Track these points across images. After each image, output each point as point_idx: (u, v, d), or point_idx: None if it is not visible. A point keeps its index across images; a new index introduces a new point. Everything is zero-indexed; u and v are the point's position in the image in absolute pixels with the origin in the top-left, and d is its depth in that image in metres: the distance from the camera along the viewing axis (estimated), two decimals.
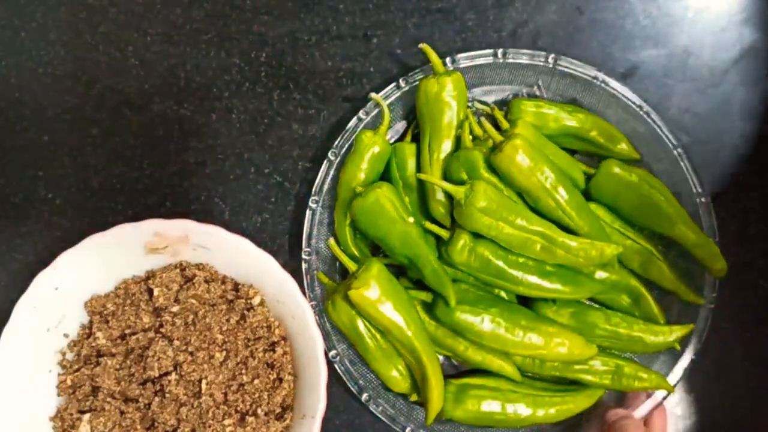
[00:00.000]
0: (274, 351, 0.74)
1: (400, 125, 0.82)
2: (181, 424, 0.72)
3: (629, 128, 0.79)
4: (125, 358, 0.74)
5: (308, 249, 0.78)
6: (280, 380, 0.74)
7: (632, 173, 0.76)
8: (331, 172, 0.79)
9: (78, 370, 0.75)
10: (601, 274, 0.75)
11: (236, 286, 0.77)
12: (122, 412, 0.73)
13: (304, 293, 0.75)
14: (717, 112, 0.84)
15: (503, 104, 0.81)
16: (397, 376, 0.75)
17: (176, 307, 0.75)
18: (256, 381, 0.73)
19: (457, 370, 0.80)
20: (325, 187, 0.79)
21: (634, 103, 0.78)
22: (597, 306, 0.77)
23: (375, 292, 0.71)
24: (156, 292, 0.75)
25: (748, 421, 0.82)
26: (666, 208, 0.75)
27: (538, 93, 0.81)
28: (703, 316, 0.76)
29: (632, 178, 0.76)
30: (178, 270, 0.76)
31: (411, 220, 0.74)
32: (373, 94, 0.79)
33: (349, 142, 0.79)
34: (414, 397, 0.76)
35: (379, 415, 0.75)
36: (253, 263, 0.73)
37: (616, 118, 0.79)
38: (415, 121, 0.81)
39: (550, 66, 0.78)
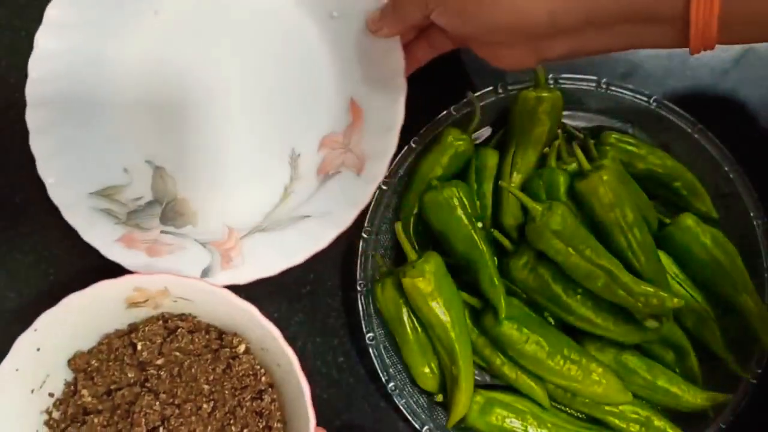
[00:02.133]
0: (261, 399, 0.73)
1: (486, 130, 0.82)
2: None
3: (713, 186, 0.79)
4: (112, 415, 0.72)
5: (369, 228, 0.77)
6: (270, 428, 0.72)
7: (707, 232, 0.75)
8: (409, 160, 0.78)
9: (65, 429, 0.72)
10: (652, 324, 0.73)
11: (220, 335, 0.75)
12: None
13: (355, 273, 0.77)
14: (717, 112, 0.85)
15: (592, 133, 0.80)
16: (428, 372, 0.75)
17: (161, 359, 0.73)
18: (245, 431, 0.72)
19: (486, 383, 0.79)
20: (400, 172, 0.78)
21: (728, 162, 0.77)
22: (640, 354, 0.76)
23: (429, 284, 0.71)
24: (139, 346, 0.73)
25: None
26: (734, 275, 0.75)
27: (630, 131, 0.81)
28: (742, 389, 0.75)
29: (706, 237, 0.75)
30: (160, 322, 0.74)
31: (479, 225, 0.75)
32: (470, 93, 0.79)
33: (434, 133, 0.79)
34: (440, 398, 0.76)
35: (402, 408, 0.75)
36: (235, 313, 0.72)
37: (702, 174, 0.79)
38: (502, 129, 0.81)
39: (651, 107, 0.78)
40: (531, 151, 0.77)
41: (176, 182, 0.83)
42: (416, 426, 0.75)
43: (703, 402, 0.74)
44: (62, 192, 0.78)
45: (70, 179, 0.79)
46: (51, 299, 0.70)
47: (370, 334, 0.76)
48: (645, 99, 0.78)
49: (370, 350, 0.76)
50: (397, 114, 0.78)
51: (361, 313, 0.76)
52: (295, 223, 0.80)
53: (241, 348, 0.73)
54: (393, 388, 0.75)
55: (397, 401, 0.75)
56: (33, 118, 0.79)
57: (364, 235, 0.77)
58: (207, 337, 0.74)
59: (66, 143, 0.80)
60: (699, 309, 0.75)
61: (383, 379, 0.75)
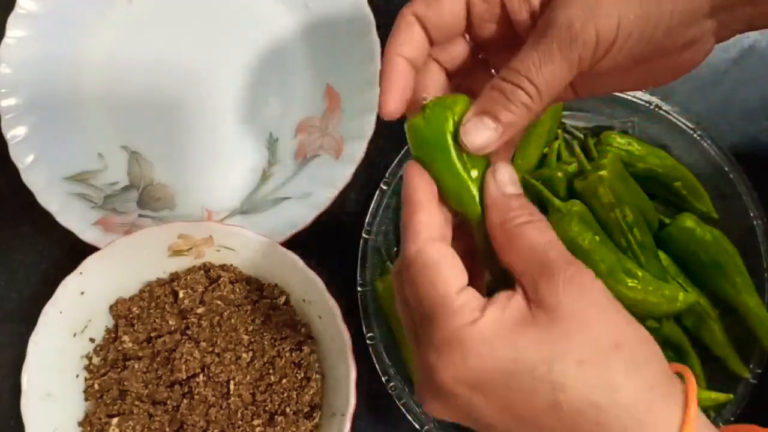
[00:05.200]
0: (300, 350, 0.75)
1: None
2: (210, 426, 0.72)
3: (713, 186, 0.78)
4: (152, 361, 0.74)
5: (369, 228, 0.77)
6: (308, 379, 0.74)
7: (707, 232, 0.75)
8: (409, 160, 0.78)
9: (105, 374, 0.74)
10: (652, 324, 0.73)
11: (261, 286, 0.77)
12: (151, 415, 0.73)
13: (355, 273, 0.76)
14: (717, 112, 0.85)
15: (592, 133, 0.80)
16: None
17: (201, 308, 0.75)
18: (283, 380, 0.73)
19: None
20: (400, 172, 0.77)
21: (728, 162, 0.77)
22: None
23: None
24: (181, 294, 0.75)
25: None
26: (734, 275, 0.74)
27: (630, 131, 0.80)
28: (742, 389, 0.75)
29: (706, 237, 0.75)
30: (202, 271, 0.76)
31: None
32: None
33: None
34: None
35: (402, 408, 0.75)
36: (279, 263, 0.74)
37: (702, 174, 0.78)
38: None
39: (651, 107, 0.78)
40: (531, 151, 0.77)
41: (153, 167, 0.84)
42: (416, 426, 0.75)
43: (703, 402, 0.74)
44: (35, 176, 0.79)
45: (44, 164, 0.80)
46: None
47: (370, 334, 0.76)
48: (645, 99, 0.78)
49: (370, 350, 0.76)
50: (373, 97, 0.80)
51: (361, 313, 0.76)
52: (274, 205, 0.81)
53: (282, 299, 0.76)
54: (393, 388, 0.75)
55: (397, 401, 0.75)
56: (4, 104, 0.80)
57: (364, 235, 0.77)
58: (248, 287, 0.76)
59: (38, 129, 0.81)
60: (699, 309, 0.75)
61: (383, 379, 0.75)
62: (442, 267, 0.46)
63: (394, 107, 0.50)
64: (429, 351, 0.45)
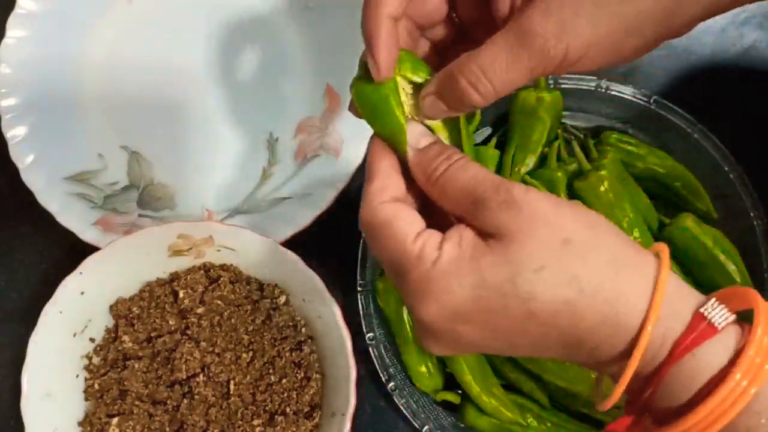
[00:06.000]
0: (300, 350, 0.75)
1: (486, 130, 0.82)
2: (210, 426, 0.72)
3: (713, 186, 0.78)
4: (152, 361, 0.74)
5: None
6: (308, 379, 0.74)
7: (707, 232, 0.75)
8: None
9: (105, 374, 0.74)
10: None
11: (261, 286, 0.77)
12: (151, 415, 0.73)
13: (355, 273, 0.76)
14: (717, 112, 0.84)
15: (592, 133, 0.80)
16: (425, 372, 0.75)
17: (201, 308, 0.75)
18: (283, 380, 0.74)
19: None
20: None
21: (728, 162, 0.77)
22: None
23: None
24: (181, 294, 0.75)
25: None
26: (734, 275, 0.74)
27: (630, 131, 0.81)
28: None
29: (706, 237, 0.74)
30: (202, 271, 0.76)
31: None
32: None
33: None
34: (439, 398, 0.76)
35: (402, 408, 0.75)
36: (279, 263, 0.74)
37: (702, 174, 0.78)
38: (502, 129, 0.81)
39: (651, 107, 0.78)
40: (531, 151, 0.77)
41: (153, 167, 0.84)
42: (416, 426, 0.75)
43: None
44: (35, 176, 0.79)
45: (44, 164, 0.80)
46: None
47: (370, 334, 0.76)
48: (645, 99, 0.78)
49: (370, 350, 0.75)
50: None
51: (361, 313, 0.76)
52: (274, 205, 0.81)
53: (282, 299, 0.76)
54: (393, 388, 0.75)
55: (397, 401, 0.75)
56: (4, 104, 0.80)
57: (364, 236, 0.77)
58: (248, 287, 0.76)
59: (38, 129, 0.81)
60: None
61: (383, 379, 0.75)
62: (394, 222, 0.48)
63: (388, 68, 0.51)
64: (408, 298, 0.47)
